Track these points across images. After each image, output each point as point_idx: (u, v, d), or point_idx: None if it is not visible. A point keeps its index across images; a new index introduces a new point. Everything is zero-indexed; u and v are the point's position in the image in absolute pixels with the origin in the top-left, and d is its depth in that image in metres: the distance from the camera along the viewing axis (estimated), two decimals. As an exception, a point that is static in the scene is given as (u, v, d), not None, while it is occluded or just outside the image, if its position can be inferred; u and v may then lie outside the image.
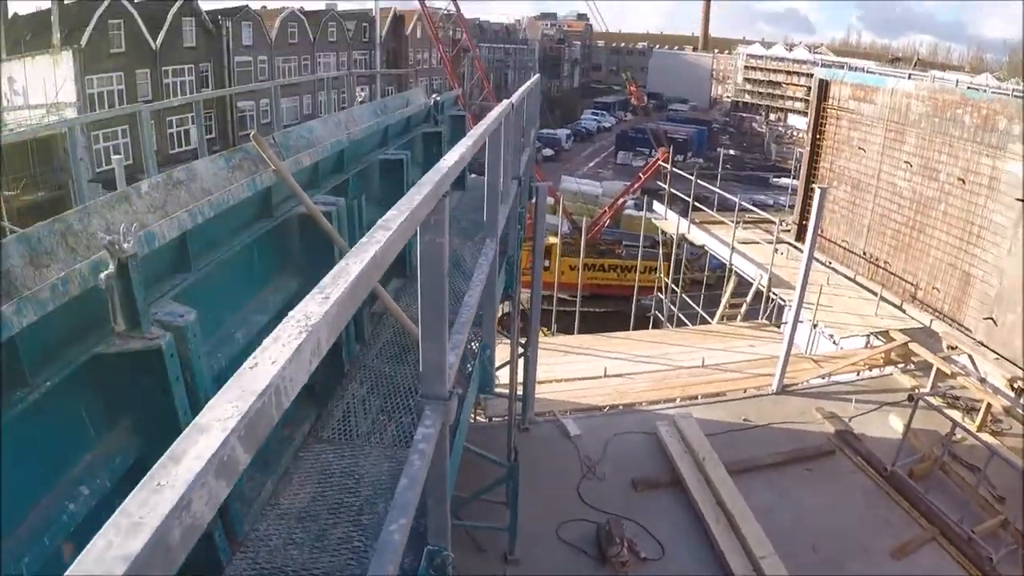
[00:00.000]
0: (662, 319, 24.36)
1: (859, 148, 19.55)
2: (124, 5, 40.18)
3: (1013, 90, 23.36)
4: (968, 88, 18.95)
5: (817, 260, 16.96)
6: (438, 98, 10.80)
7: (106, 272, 3.07)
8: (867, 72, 23.20)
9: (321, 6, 64.44)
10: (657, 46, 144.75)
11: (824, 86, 21.08)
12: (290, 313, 1.35)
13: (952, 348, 15.35)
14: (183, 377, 3.36)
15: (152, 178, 4.56)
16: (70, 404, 3.16)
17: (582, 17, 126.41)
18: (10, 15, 36.63)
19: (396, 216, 1.98)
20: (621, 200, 40.05)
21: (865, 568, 9.36)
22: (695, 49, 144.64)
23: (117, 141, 34.55)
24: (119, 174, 9.24)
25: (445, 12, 50.66)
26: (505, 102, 5.71)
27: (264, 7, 58.36)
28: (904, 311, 17.13)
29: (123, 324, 3.19)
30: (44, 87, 34.81)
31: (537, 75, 11.32)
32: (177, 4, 44.55)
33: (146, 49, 42.00)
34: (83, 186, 6.93)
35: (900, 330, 16.06)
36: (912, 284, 17.51)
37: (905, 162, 17.77)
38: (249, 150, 5.46)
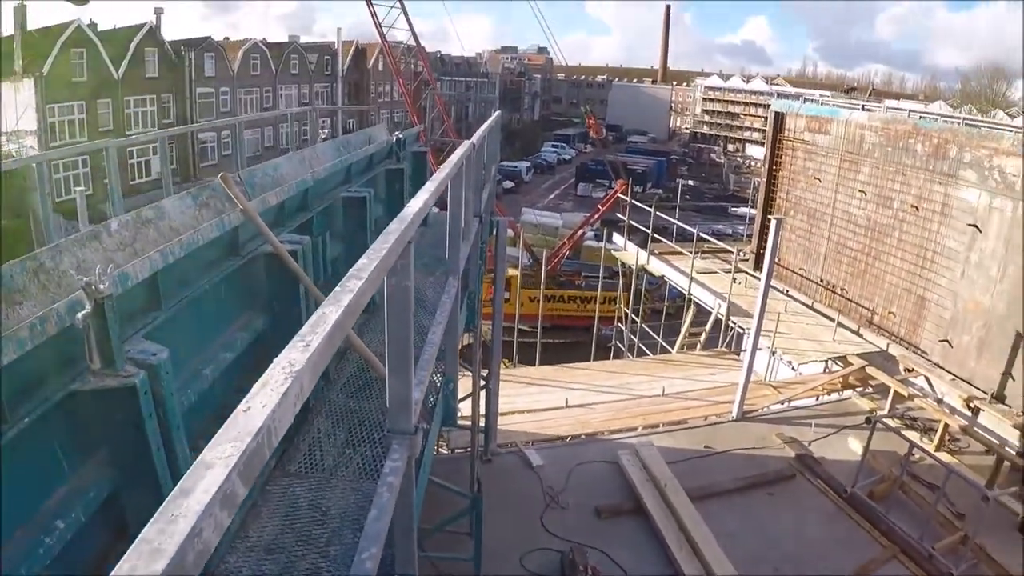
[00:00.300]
0: (623, 349, 24.58)
1: (815, 178, 19.95)
2: (87, 34, 40.08)
3: (964, 118, 23.96)
4: (920, 118, 19.45)
5: (774, 288, 17.28)
6: (400, 135, 10.96)
7: (83, 312, 3.18)
8: (822, 103, 23.69)
9: (284, 38, 64.73)
10: (617, 79, 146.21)
11: (780, 118, 21.51)
12: (275, 360, 1.50)
13: (909, 371, 15.73)
14: (156, 413, 3.47)
15: (121, 216, 4.67)
16: (45, 440, 3.25)
17: (543, 51, 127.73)
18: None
19: (367, 264, 2.13)
20: (580, 232, 40.38)
21: None
22: (654, 82, 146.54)
23: (78, 171, 34.39)
24: (81, 207, 9.27)
25: (406, 45, 50.94)
26: (466, 143, 5.88)
27: (227, 38, 58.46)
28: (861, 336, 17.47)
29: (99, 362, 3.30)
30: (3, 114, 34.61)
31: (498, 112, 11.52)
32: (140, 34, 44.53)
33: (108, 79, 41.88)
34: (49, 218, 6.98)
35: (858, 355, 16.38)
36: (868, 309, 17.88)
37: (860, 191, 18.18)
38: (216, 188, 5.59)
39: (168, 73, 47.48)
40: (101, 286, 3.18)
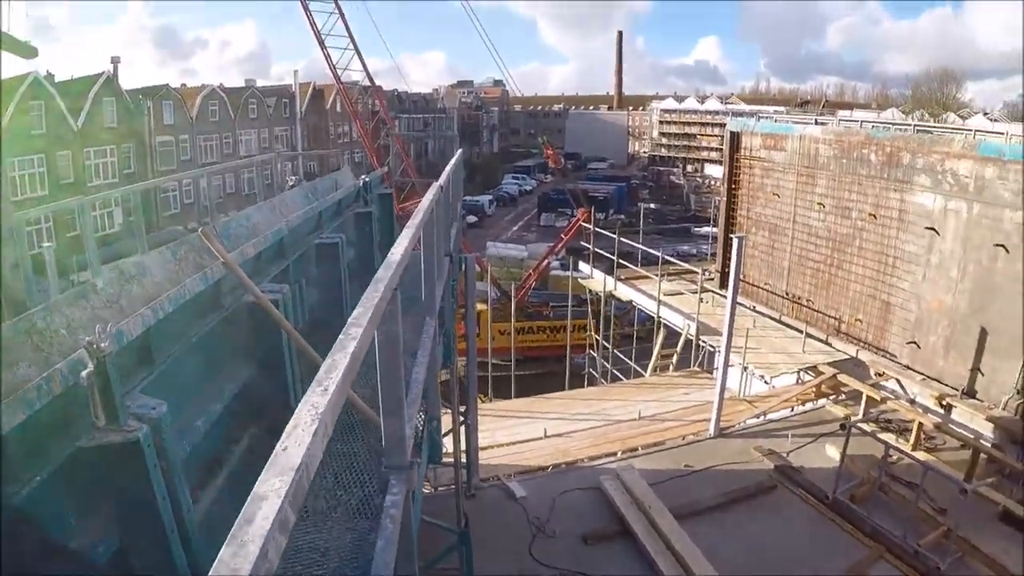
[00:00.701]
0: (596, 376, 24.72)
1: (773, 194, 20.33)
2: (45, 85, 39.96)
3: (915, 125, 24.54)
4: (872, 128, 19.91)
5: (742, 305, 17.54)
6: (366, 179, 11.17)
7: (86, 371, 3.33)
8: (776, 120, 24.09)
9: (241, 83, 64.85)
10: (573, 107, 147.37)
11: (736, 138, 21.91)
12: (300, 404, 1.68)
13: (880, 375, 16.05)
14: (159, 465, 3.62)
15: (105, 274, 4.81)
16: (55, 498, 3.39)
17: (498, 83, 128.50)
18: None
19: (363, 313, 2.32)
20: (545, 262, 40.65)
21: None
22: (610, 108, 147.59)
23: (40, 226, 34.24)
24: (50, 263, 9.30)
25: (362, 85, 51.21)
26: (434, 185, 6.08)
27: (184, 85, 58.53)
28: (830, 345, 17.80)
29: (103, 418, 3.44)
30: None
31: (460, 151, 11.74)
32: (97, 84, 44.47)
33: (67, 130, 41.73)
34: (31, 279, 7.07)
35: (828, 363, 16.66)
36: (835, 318, 18.24)
37: (818, 203, 18.58)
38: (192, 242, 5.74)
39: (127, 122, 47.40)
40: (102, 344, 3.33)
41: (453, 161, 9.34)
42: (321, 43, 41.23)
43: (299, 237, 8.02)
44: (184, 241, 5.80)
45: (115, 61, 47.07)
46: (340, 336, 2.12)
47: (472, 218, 71.03)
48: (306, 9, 40.20)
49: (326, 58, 41.79)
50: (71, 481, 3.46)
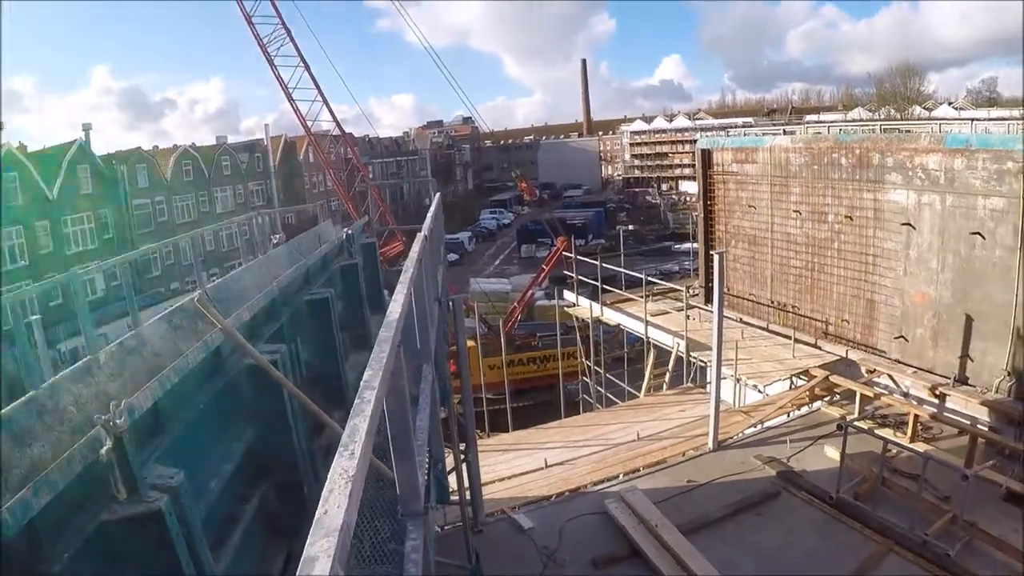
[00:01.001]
0: (591, 401, 24.80)
1: (749, 206, 20.59)
2: (18, 156, 40.08)
3: (881, 123, 24.94)
4: (840, 132, 20.27)
5: (728, 318, 17.70)
6: (349, 231, 11.32)
7: (105, 448, 3.47)
8: (745, 134, 24.42)
9: (212, 141, 65.22)
10: (544, 137, 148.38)
11: (707, 155, 22.19)
12: (332, 469, 1.84)
13: (871, 372, 16.23)
14: (181, 532, 3.75)
15: (106, 348, 4.93)
16: (85, 572, 3.50)
17: (468, 121, 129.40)
18: None
19: (373, 376, 2.48)
20: (529, 294, 40.81)
21: None
22: (580, 135, 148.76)
23: (23, 297, 34.20)
24: (40, 336, 9.36)
25: (333, 134, 51.54)
26: (420, 235, 6.26)
27: (156, 147, 58.80)
28: (819, 348, 17.96)
29: (124, 492, 3.58)
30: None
31: (438, 194, 11.95)
32: (71, 152, 44.65)
33: (43, 200, 41.87)
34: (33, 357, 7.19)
35: (819, 366, 16.80)
36: (822, 321, 18.45)
37: (794, 211, 18.85)
38: (187, 308, 5.88)
39: (102, 188, 47.64)
40: (118, 421, 3.47)
41: (433, 206, 9.54)
42: (289, 96, 41.61)
43: (289, 295, 8.15)
44: (179, 309, 5.94)
45: (86, 128, 47.42)
46: (356, 400, 2.28)
47: (453, 256, 71.23)
48: (272, 64, 40.59)
49: (295, 111, 42.20)
50: (99, 555, 3.56)
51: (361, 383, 2.44)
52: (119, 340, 5.09)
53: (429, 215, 8.52)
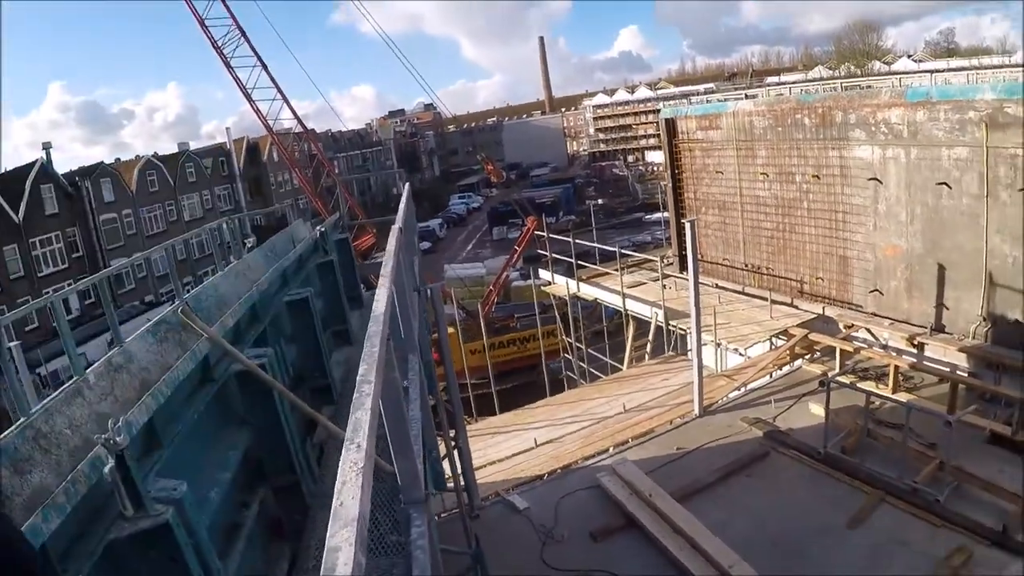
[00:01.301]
0: (575, 378, 24.88)
1: (717, 172, 20.72)
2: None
3: (842, 81, 25.14)
4: (803, 92, 20.39)
5: (704, 284, 17.78)
6: (322, 228, 11.36)
7: (108, 467, 3.53)
8: (708, 101, 24.48)
9: (174, 148, 64.68)
10: (507, 118, 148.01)
11: (671, 124, 22.27)
12: (341, 463, 1.92)
13: (849, 327, 16.43)
14: (190, 543, 3.82)
15: (94, 367, 4.96)
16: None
17: (429, 107, 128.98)
18: None
19: (368, 369, 2.55)
20: (504, 276, 40.83)
21: (828, 546, 9.87)
22: (543, 113, 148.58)
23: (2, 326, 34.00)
24: (20, 361, 9.32)
25: (295, 132, 51.30)
26: (394, 228, 6.32)
27: (118, 159, 58.24)
28: (796, 307, 18.15)
29: (131, 508, 3.64)
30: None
31: (407, 184, 11.97)
32: (33, 173, 44.23)
33: (9, 224, 41.53)
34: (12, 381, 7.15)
35: (797, 325, 16.98)
36: (797, 280, 18.64)
37: (762, 173, 18.99)
38: (170, 320, 5.92)
39: (68, 207, 47.25)
40: (118, 439, 3.53)
41: (404, 197, 9.58)
42: (248, 97, 41.30)
43: (269, 298, 8.21)
44: (162, 321, 5.97)
45: (47, 147, 46.94)
46: (355, 394, 2.35)
47: (426, 244, 71.15)
48: (228, 67, 40.27)
49: (255, 111, 41.91)
50: (111, 572, 3.63)
51: (358, 377, 2.51)
52: (106, 358, 5.12)
53: (401, 206, 8.57)
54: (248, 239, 11.13)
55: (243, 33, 40.27)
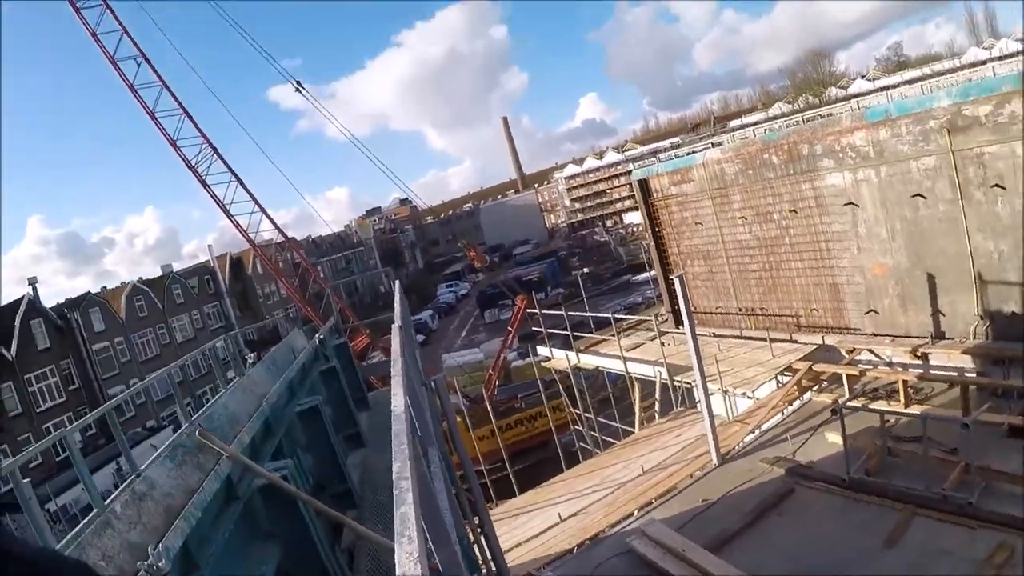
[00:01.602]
0: (588, 448, 24.77)
1: (696, 223, 20.98)
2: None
3: (802, 114, 25.54)
4: (766, 132, 20.79)
5: (701, 334, 17.88)
6: (321, 336, 11.49)
7: (153, 594, 3.58)
8: (676, 156, 24.91)
9: (158, 271, 65.06)
10: (482, 201, 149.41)
11: (644, 184, 22.61)
12: (398, 555, 1.99)
13: (851, 352, 16.49)
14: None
15: (118, 497, 5.01)
16: None
17: (405, 202, 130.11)
18: None
19: (403, 466, 2.64)
20: (502, 357, 40.79)
21: (868, 569, 9.74)
22: (517, 191, 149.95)
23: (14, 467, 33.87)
24: (32, 499, 9.23)
25: (277, 242, 51.73)
26: (395, 327, 6.43)
27: (104, 288, 58.49)
28: (796, 341, 18.25)
29: (179, 635, 3.69)
30: None
31: (398, 282, 12.10)
32: (21, 309, 44.36)
33: (2, 362, 41.59)
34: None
35: (800, 359, 17.00)
36: (792, 315, 18.78)
37: (740, 218, 19.25)
38: (185, 444, 5.98)
39: (60, 340, 47.45)
40: (160, 563, 3.59)
41: (397, 295, 9.70)
42: (227, 212, 41.70)
43: (279, 410, 8.29)
44: (178, 445, 6.03)
45: (32, 282, 47.28)
46: (395, 491, 2.44)
47: (420, 337, 71.08)
48: (204, 184, 40.70)
49: (235, 225, 42.27)
50: None
51: (394, 476, 2.59)
52: (129, 487, 5.17)
53: (396, 305, 8.70)
54: (249, 355, 11.24)
55: (215, 150, 40.89)
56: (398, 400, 3.72)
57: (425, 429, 6.00)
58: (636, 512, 14.13)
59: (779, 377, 17.41)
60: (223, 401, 7.83)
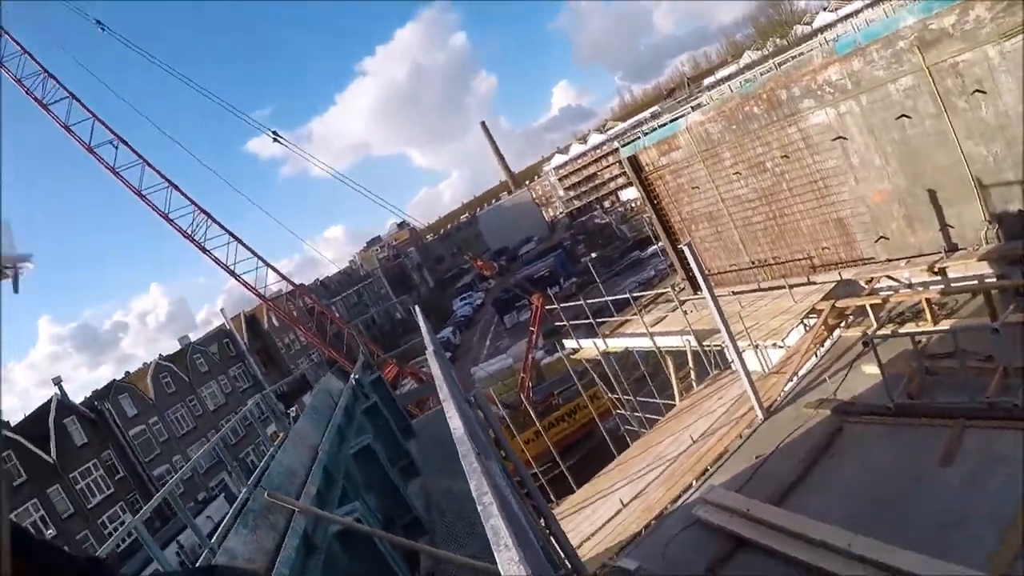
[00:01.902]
0: (634, 429, 24.87)
1: (693, 188, 21.16)
2: (5, 435, 40.10)
3: (775, 61, 25.64)
4: (742, 85, 20.89)
5: (721, 295, 17.99)
6: (356, 377, 11.67)
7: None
8: (657, 125, 24.96)
9: (176, 345, 65.37)
10: (478, 209, 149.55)
11: (633, 160, 22.84)
12: (500, 563, 2.16)
13: (870, 282, 16.60)
14: None
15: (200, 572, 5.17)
16: None
17: (402, 225, 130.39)
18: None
19: (480, 482, 2.81)
20: (530, 358, 40.91)
21: (929, 488, 9.87)
22: (509, 192, 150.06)
23: None
24: None
25: (287, 292, 52.07)
26: (429, 351, 6.61)
27: (128, 372, 58.94)
28: (814, 283, 18.43)
29: None
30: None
31: (417, 307, 12.29)
32: (52, 410, 44.71)
33: (44, 466, 41.91)
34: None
35: (822, 299, 17.11)
36: (805, 258, 18.98)
37: (735, 174, 19.47)
38: (254, 507, 6.15)
39: (95, 432, 47.83)
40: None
41: (421, 321, 9.91)
42: (231, 272, 42.09)
43: (335, 456, 8.46)
44: (246, 511, 6.19)
45: (57, 381, 47.63)
46: (479, 508, 2.61)
47: (447, 354, 71.03)
48: (204, 251, 41.04)
49: (243, 284, 42.72)
50: None
51: (474, 492, 2.76)
52: (207, 565, 5.33)
53: (423, 330, 8.89)
54: (290, 409, 11.42)
55: (207, 215, 41.30)
56: (455, 423, 3.89)
57: (481, 444, 6.18)
58: (694, 482, 14.21)
59: (805, 321, 17.49)
60: (277, 459, 8.00)
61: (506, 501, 3.37)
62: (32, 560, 1.72)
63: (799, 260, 19.05)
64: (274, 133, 43.56)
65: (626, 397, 24.32)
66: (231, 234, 41.86)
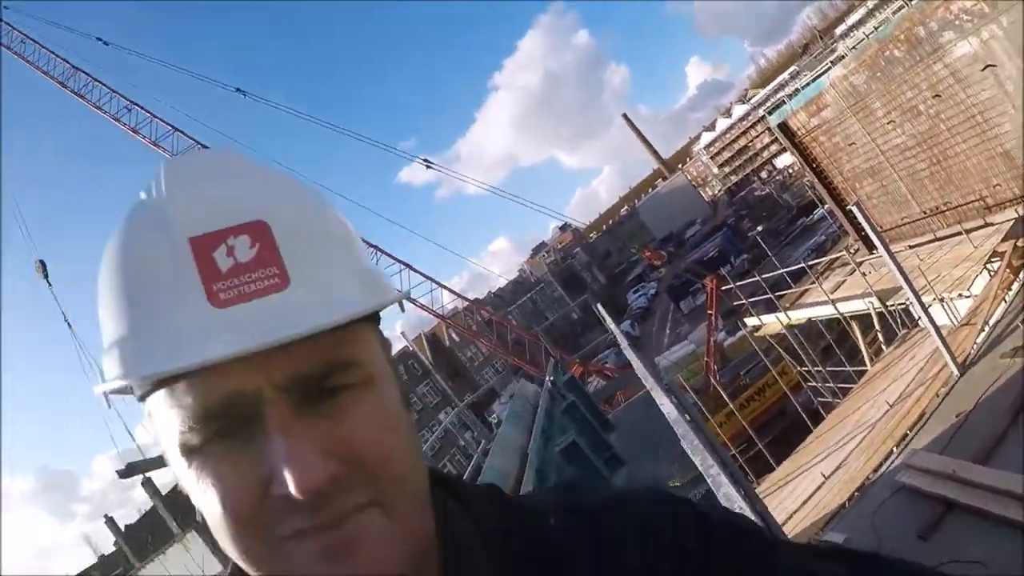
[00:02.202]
0: (828, 399, 24.56)
1: (849, 145, 20.77)
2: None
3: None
4: (877, 30, 20.34)
5: (897, 251, 17.60)
6: (551, 378, 12.24)
7: None
8: (799, 87, 24.50)
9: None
10: (636, 200, 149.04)
11: (784, 127, 22.61)
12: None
13: (1052, 213, 15.96)
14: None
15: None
16: None
17: (565, 227, 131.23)
18: None
19: (704, 457, 3.23)
20: (712, 341, 40.62)
21: None
22: (664, 178, 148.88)
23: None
24: None
25: (463, 309, 53.57)
26: (622, 341, 7.05)
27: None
28: (991, 224, 17.78)
29: None
30: None
31: (599, 306, 12.74)
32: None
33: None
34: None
35: (1002, 241, 16.56)
36: (978, 199, 18.30)
37: (889, 123, 19.03)
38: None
39: None
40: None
41: (608, 321, 10.34)
42: (409, 298, 43.49)
43: (543, 455, 8.99)
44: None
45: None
46: (708, 480, 3.03)
47: (632, 344, 71.06)
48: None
49: (421, 307, 44.23)
50: None
51: (700, 467, 3.18)
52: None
53: (612, 327, 9.33)
54: (493, 416, 12.07)
55: (378, 248, 42.80)
56: (667, 408, 4.31)
57: (695, 425, 6.57)
58: (895, 449, 13.95)
59: (988, 266, 16.93)
60: (489, 464, 8.57)
61: (731, 473, 3.79)
62: None
63: (972, 202, 18.41)
64: (425, 160, 44.95)
65: (815, 368, 24.01)
66: (402, 263, 43.45)
